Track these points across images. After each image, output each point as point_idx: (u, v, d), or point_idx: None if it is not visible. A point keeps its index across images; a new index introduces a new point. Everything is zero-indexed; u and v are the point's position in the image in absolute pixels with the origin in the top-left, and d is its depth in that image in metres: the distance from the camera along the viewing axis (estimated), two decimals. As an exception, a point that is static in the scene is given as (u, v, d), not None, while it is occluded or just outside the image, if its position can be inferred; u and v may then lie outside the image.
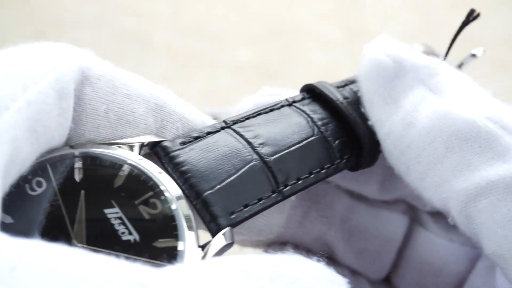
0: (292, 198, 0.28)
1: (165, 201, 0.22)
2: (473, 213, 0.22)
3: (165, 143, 0.23)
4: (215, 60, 0.83)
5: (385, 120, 0.25)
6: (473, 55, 0.30)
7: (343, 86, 0.28)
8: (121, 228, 0.21)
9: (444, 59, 0.30)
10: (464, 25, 0.29)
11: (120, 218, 0.21)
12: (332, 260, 0.30)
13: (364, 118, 0.26)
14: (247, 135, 0.25)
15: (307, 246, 0.30)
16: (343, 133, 0.26)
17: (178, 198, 0.22)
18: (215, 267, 0.17)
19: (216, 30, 0.88)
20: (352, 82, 0.28)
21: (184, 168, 0.23)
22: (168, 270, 0.16)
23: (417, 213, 0.29)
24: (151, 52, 0.84)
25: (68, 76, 0.21)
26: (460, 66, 0.30)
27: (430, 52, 0.32)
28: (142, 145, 0.23)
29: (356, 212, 0.29)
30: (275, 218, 0.28)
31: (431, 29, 0.87)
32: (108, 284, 0.15)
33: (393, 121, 0.24)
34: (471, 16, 0.28)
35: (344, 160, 0.26)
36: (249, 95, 0.29)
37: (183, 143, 0.24)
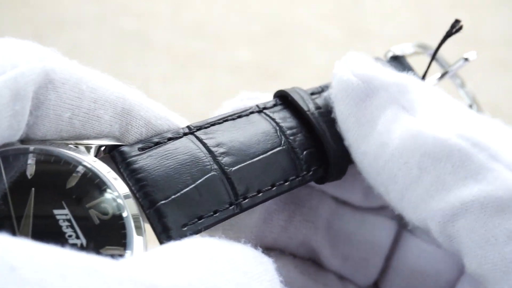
0: (271, 202, 0.27)
1: (117, 208, 0.21)
2: (452, 233, 0.22)
3: (123, 148, 0.23)
4: (215, 60, 0.83)
5: (361, 141, 0.25)
6: (466, 59, 0.29)
7: (319, 92, 0.27)
8: (68, 231, 0.20)
9: (429, 65, 0.29)
10: (447, 37, 0.28)
11: (68, 220, 0.20)
12: (318, 265, 0.30)
13: (335, 132, 0.26)
14: (210, 142, 0.24)
15: (292, 251, 0.29)
16: (312, 144, 0.26)
17: (126, 196, 0.21)
18: (162, 255, 0.18)
19: (216, 30, 0.88)
20: (329, 87, 0.28)
21: (139, 176, 0.22)
22: (119, 260, 0.17)
23: (405, 219, 0.29)
24: (151, 52, 0.84)
25: (28, 77, 0.20)
26: (445, 74, 0.30)
27: (422, 51, 0.32)
28: (99, 148, 0.22)
29: (341, 217, 0.29)
30: (243, 219, 0.27)
31: (431, 29, 0.87)
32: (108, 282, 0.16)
33: (368, 142, 0.24)
34: (454, 28, 0.28)
35: (311, 172, 0.25)
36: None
37: (141, 149, 0.23)
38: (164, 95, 0.78)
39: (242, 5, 0.94)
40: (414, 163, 0.22)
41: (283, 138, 0.26)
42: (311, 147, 0.26)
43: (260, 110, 0.26)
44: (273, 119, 0.26)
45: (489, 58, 0.81)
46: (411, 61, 0.31)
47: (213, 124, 0.25)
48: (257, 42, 0.87)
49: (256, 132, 0.25)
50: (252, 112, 0.26)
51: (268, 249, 0.29)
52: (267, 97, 0.28)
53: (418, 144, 0.22)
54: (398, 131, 0.23)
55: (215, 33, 0.88)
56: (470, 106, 0.32)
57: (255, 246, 0.28)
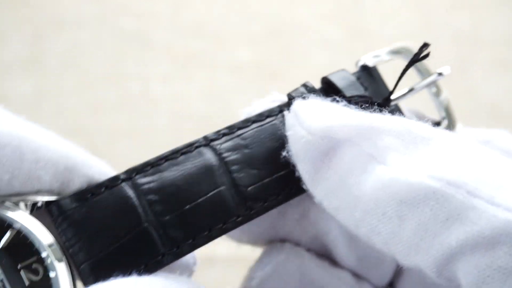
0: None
1: (46, 269, 0.21)
2: (449, 277, 0.21)
3: (60, 202, 0.22)
4: (215, 60, 0.83)
5: (332, 196, 0.23)
6: (440, 74, 0.29)
7: (276, 114, 0.26)
8: None
9: (396, 84, 0.28)
10: (413, 62, 0.28)
11: (1, 280, 0.21)
12: (332, 261, 0.30)
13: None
14: (145, 189, 0.23)
15: (306, 245, 0.29)
16: (265, 173, 0.25)
17: (51, 245, 0.21)
18: None
19: (216, 30, 0.88)
20: (280, 110, 0.26)
21: (73, 231, 0.22)
22: None
23: None
24: (151, 52, 0.84)
25: None
26: (410, 91, 0.29)
27: (397, 57, 0.31)
28: (36, 204, 0.22)
29: None
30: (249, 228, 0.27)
31: (431, 29, 0.87)
32: None
33: (340, 197, 0.23)
34: (421, 54, 0.27)
35: (258, 208, 0.24)
36: (249, 95, 0.28)
37: (77, 200, 0.23)
38: (164, 95, 0.78)
39: (242, 5, 0.94)
40: (392, 212, 0.21)
41: (226, 176, 0.24)
42: (264, 178, 0.25)
43: (207, 143, 0.25)
44: (219, 153, 0.25)
45: (489, 58, 0.81)
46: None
47: (153, 165, 0.24)
48: (257, 42, 0.87)
49: (196, 172, 0.24)
50: (198, 147, 0.25)
51: (282, 241, 0.29)
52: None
53: (392, 192, 0.21)
54: (370, 182, 0.22)
55: (215, 33, 0.88)
56: (443, 118, 0.30)
57: (270, 237, 0.28)
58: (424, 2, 0.98)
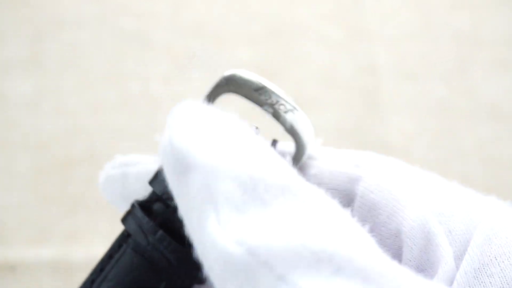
0: None
1: None
2: None
3: None
4: (215, 60, 0.83)
5: (184, 219, 0.22)
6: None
7: (154, 201, 0.25)
8: None
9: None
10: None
11: None
12: None
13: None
14: None
15: None
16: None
17: None
18: None
19: (216, 30, 0.88)
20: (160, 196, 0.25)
21: None
22: None
23: None
24: (151, 52, 0.84)
25: None
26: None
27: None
28: None
29: None
30: None
31: (431, 29, 0.87)
32: None
33: (189, 228, 0.22)
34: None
35: None
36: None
37: None
38: (164, 95, 0.78)
39: (242, 5, 0.94)
40: (218, 273, 0.21)
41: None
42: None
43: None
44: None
45: (489, 58, 0.81)
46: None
47: (93, 280, 0.24)
48: (257, 42, 0.87)
49: (135, 275, 0.24)
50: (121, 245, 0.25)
51: None
52: (144, 159, 0.27)
53: (215, 255, 0.20)
54: (205, 235, 0.21)
55: (215, 33, 0.88)
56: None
57: None
58: (424, 2, 0.98)
